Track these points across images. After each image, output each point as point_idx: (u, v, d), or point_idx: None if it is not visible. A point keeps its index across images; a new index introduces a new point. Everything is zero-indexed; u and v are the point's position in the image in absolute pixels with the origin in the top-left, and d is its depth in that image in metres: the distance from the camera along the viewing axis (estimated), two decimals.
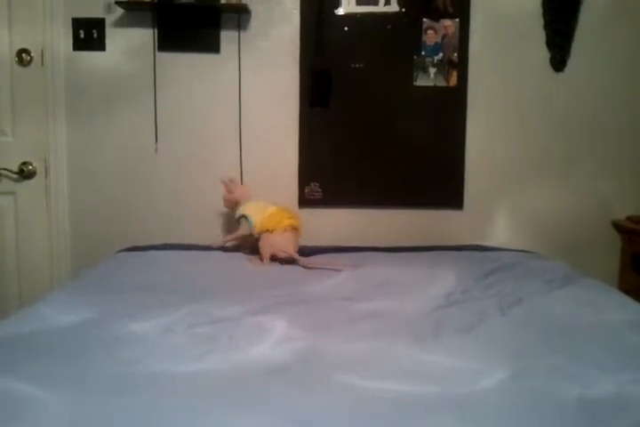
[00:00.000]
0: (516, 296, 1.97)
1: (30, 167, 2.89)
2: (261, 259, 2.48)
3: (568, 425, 1.15)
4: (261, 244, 2.49)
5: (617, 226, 2.96)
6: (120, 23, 2.87)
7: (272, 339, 1.55)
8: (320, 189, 2.94)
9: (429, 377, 1.34)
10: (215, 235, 2.85)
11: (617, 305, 1.91)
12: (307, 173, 2.94)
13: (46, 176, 2.90)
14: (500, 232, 2.97)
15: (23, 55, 2.83)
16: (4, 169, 2.86)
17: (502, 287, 2.08)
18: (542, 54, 2.90)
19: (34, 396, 1.19)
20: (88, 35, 2.87)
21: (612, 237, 2.97)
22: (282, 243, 2.45)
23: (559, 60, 2.90)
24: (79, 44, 2.88)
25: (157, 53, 2.88)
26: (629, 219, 2.92)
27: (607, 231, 2.98)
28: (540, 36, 2.90)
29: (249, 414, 1.14)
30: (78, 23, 2.87)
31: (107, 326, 1.62)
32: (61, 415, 1.13)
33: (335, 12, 2.87)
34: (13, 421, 1.11)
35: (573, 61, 2.90)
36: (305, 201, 2.93)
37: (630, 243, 2.88)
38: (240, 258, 2.55)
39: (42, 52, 2.83)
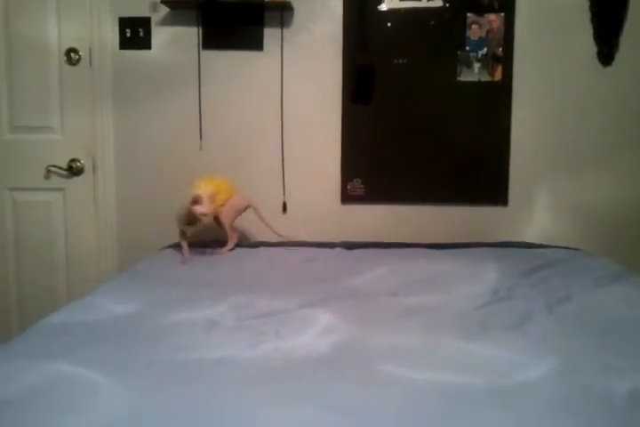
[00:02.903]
0: (562, 293, 1.95)
1: (79, 164, 2.95)
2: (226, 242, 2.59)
3: (617, 421, 1.14)
4: (223, 216, 2.57)
5: None
6: (165, 22, 2.91)
7: (318, 331, 1.57)
8: (362, 186, 2.94)
9: (476, 370, 1.35)
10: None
11: None
12: (349, 169, 2.94)
13: (94, 173, 2.96)
14: (545, 229, 2.92)
15: (72, 54, 2.90)
16: (54, 166, 2.94)
17: (549, 284, 2.06)
18: (589, 48, 2.85)
19: (95, 381, 1.24)
20: (134, 33, 2.92)
21: None
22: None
23: (607, 53, 2.84)
24: (125, 43, 2.93)
25: (202, 51, 2.91)
26: None
27: None
28: (586, 29, 2.84)
29: (304, 405, 1.16)
30: (125, 22, 2.92)
31: (157, 316, 1.67)
32: (121, 400, 1.17)
33: (378, 7, 2.87)
34: (77, 405, 1.16)
35: (621, 55, 2.83)
36: (347, 197, 2.94)
37: None
38: (282, 253, 2.56)
39: (89, 51, 2.90)
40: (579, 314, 1.78)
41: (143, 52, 2.94)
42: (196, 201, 2.36)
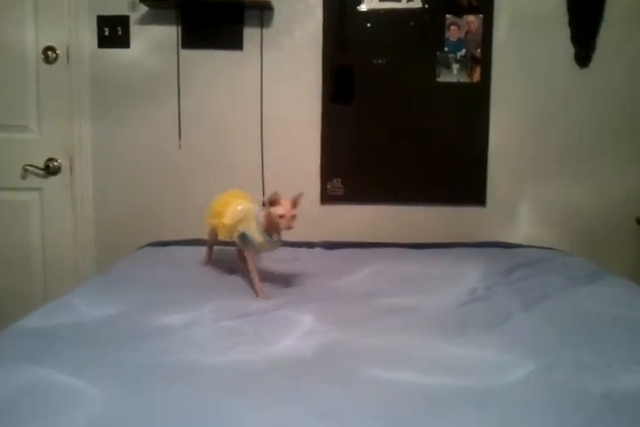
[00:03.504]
0: (540, 292, 1.97)
1: (56, 164, 2.93)
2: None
3: (592, 419, 1.15)
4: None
5: None
6: (144, 20, 2.89)
7: (298, 333, 1.56)
8: (342, 186, 2.95)
9: (455, 371, 1.35)
10: None
11: None
12: (329, 169, 2.95)
13: (71, 172, 2.94)
14: (524, 229, 2.95)
15: (49, 53, 2.87)
16: (30, 165, 2.90)
17: (526, 284, 2.09)
18: (567, 50, 2.88)
19: (71, 385, 1.22)
20: (113, 32, 2.90)
21: (636, 234, 2.95)
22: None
23: (584, 55, 2.88)
24: (104, 42, 2.91)
25: (181, 50, 2.90)
26: None
27: (634, 227, 2.95)
28: (564, 31, 2.87)
29: (276, 405, 1.16)
30: (103, 21, 2.89)
31: (135, 318, 1.65)
32: (98, 403, 1.16)
33: (358, 8, 2.87)
34: (53, 410, 1.14)
35: (598, 57, 2.87)
36: (327, 197, 2.94)
37: None
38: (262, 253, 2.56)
39: (67, 49, 2.87)
40: (556, 313, 1.80)
41: (122, 51, 2.91)
42: (274, 201, 1.90)
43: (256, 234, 1.96)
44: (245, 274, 2.12)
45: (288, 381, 1.27)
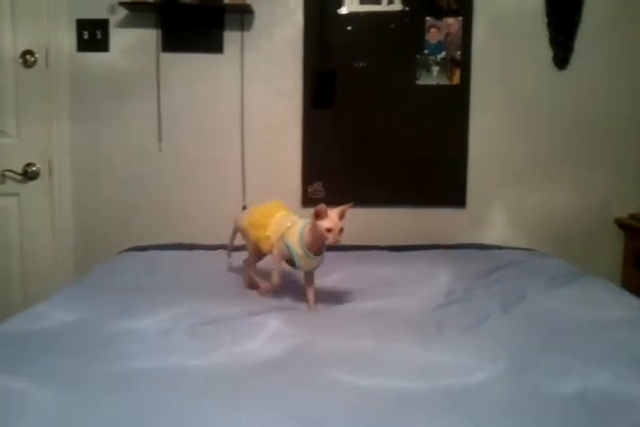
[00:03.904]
0: (518, 294, 1.97)
1: (34, 168, 2.90)
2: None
3: (567, 421, 1.15)
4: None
5: (620, 224, 2.96)
6: (124, 24, 2.88)
7: (273, 337, 1.56)
8: (323, 189, 2.95)
9: (428, 374, 1.35)
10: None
11: (619, 303, 1.91)
12: (310, 172, 2.95)
13: (50, 177, 2.91)
14: (503, 231, 2.97)
15: (27, 56, 2.85)
16: (9, 170, 2.88)
17: (504, 285, 2.09)
18: (545, 52, 2.90)
19: (33, 394, 1.20)
20: (92, 35, 2.88)
21: (614, 235, 2.97)
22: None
23: (562, 57, 2.90)
24: (83, 45, 2.89)
25: (161, 54, 2.89)
26: (632, 216, 2.91)
27: (610, 229, 2.98)
28: (543, 33, 2.89)
29: (246, 409, 1.15)
30: (82, 24, 2.88)
31: (107, 324, 1.64)
32: (60, 412, 1.14)
33: (338, 11, 2.88)
34: (12, 419, 1.12)
35: (576, 59, 2.90)
36: (308, 200, 2.94)
37: (633, 240, 2.88)
38: (239, 257, 2.54)
39: (46, 52, 2.85)
40: (533, 315, 1.80)
41: (101, 55, 2.90)
42: (320, 213, 1.75)
43: (297, 246, 1.82)
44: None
45: (259, 385, 1.27)
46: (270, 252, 1.92)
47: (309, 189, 2.95)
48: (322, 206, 1.74)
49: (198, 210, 2.94)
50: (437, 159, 2.94)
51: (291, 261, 1.88)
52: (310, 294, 1.87)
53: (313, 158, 2.94)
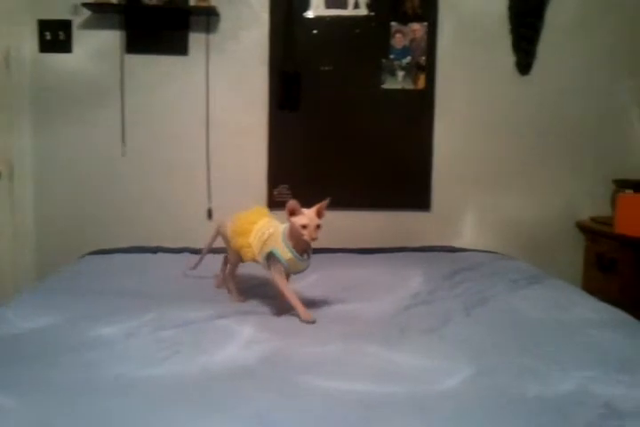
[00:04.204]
0: (481, 296, 2.00)
1: None
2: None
3: (530, 423, 1.16)
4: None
5: (581, 227, 3.01)
6: (87, 25, 2.85)
7: (239, 342, 1.55)
8: (289, 191, 2.95)
9: (394, 378, 1.36)
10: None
11: (580, 304, 1.94)
12: (275, 175, 2.95)
13: (10, 180, 2.85)
14: (467, 233, 3.00)
15: None
16: None
17: (468, 288, 2.11)
18: (509, 58, 2.95)
19: None
20: (54, 36, 2.85)
21: (576, 238, 3.03)
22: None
23: (525, 63, 2.95)
24: (45, 46, 2.86)
25: (125, 55, 2.87)
26: (593, 220, 2.97)
27: (572, 232, 3.03)
28: (506, 39, 2.94)
29: (210, 416, 1.14)
30: (44, 25, 2.84)
31: (71, 330, 1.61)
32: (23, 420, 1.12)
33: (304, 15, 2.89)
34: None
35: (538, 65, 2.95)
36: (274, 203, 2.93)
37: (594, 243, 2.93)
38: (206, 260, 2.53)
39: (7, 54, 2.79)
40: (495, 317, 1.82)
41: (64, 56, 2.87)
42: (293, 210, 1.73)
43: (284, 251, 1.75)
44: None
45: (225, 391, 1.25)
46: (251, 260, 1.86)
47: (275, 192, 2.95)
48: (292, 202, 1.71)
49: (162, 213, 2.91)
50: (403, 163, 2.97)
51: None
52: (295, 299, 1.77)
53: (279, 161, 2.94)
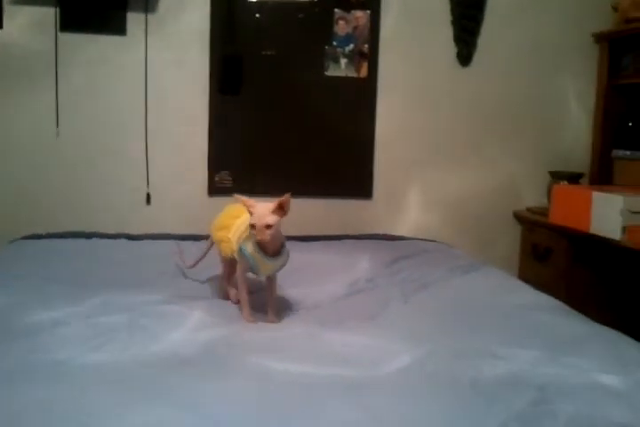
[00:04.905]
0: (419, 283, 2.04)
1: None
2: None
3: (463, 407, 1.18)
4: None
5: (518, 217, 3.09)
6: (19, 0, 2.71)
7: (182, 328, 1.54)
8: (230, 178, 2.91)
9: (332, 361, 1.37)
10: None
11: (513, 291, 2.01)
12: (216, 160, 2.90)
13: None
14: (408, 221, 3.03)
15: None
16: None
17: (407, 275, 2.15)
18: (450, 48, 2.98)
19: None
20: None
21: (513, 228, 3.10)
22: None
23: (465, 54, 2.99)
24: None
25: (59, 33, 2.74)
26: (529, 210, 3.04)
27: (509, 222, 3.10)
28: (448, 30, 2.97)
29: (143, 404, 1.12)
30: None
31: (3, 317, 1.55)
32: None
33: None
34: None
35: (479, 56, 2.99)
36: (215, 189, 2.89)
37: (530, 233, 3.01)
38: (145, 246, 2.48)
39: None
40: (432, 303, 1.87)
41: None
42: (248, 207, 1.60)
43: (251, 249, 1.62)
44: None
45: (162, 378, 1.24)
46: (230, 255, 1.75)
47: (216, 178, 2.90)
48: (245, 199, 1.60)
49: (100, 198, 2.82)
50: (345, 150, 2.96)
51: (250, 268, 1.68)
52: (271, 304, 1.69)
53: (220, 146, 2.89)
